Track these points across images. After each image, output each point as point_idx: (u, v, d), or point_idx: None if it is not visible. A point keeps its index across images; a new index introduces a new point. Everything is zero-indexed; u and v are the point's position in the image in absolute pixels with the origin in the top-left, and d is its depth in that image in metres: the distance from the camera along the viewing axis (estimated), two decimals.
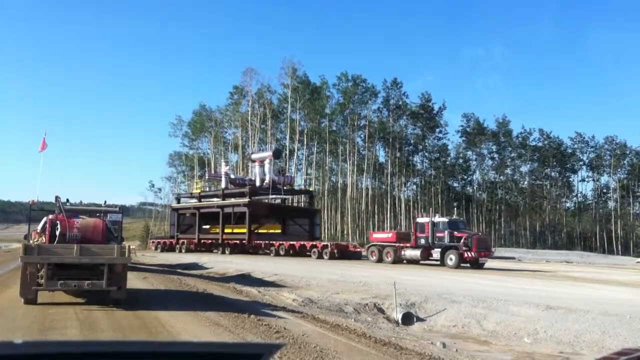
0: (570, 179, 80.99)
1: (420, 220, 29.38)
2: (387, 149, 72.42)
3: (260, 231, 42.19)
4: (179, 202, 51.98)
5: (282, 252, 36.87)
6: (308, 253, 35.26)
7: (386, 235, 31.43)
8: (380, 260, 29.18)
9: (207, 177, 52.57)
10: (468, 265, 26.15)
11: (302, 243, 36.80)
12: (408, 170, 73.83)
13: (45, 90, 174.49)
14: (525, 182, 78.79)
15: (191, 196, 50.25)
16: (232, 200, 42.90)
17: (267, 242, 39.20)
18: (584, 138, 77.41)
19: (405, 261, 28.57)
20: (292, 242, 37.27)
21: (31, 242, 11.40)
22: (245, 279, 21.59)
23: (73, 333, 8.39)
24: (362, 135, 70.92)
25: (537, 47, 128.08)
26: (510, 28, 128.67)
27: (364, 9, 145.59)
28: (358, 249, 34.33)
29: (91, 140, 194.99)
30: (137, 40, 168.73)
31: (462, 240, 26.23)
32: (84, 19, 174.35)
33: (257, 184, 43.58)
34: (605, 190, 78.87)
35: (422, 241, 28.01)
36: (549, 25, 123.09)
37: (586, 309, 12.71)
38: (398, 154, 71.42)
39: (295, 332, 8.97)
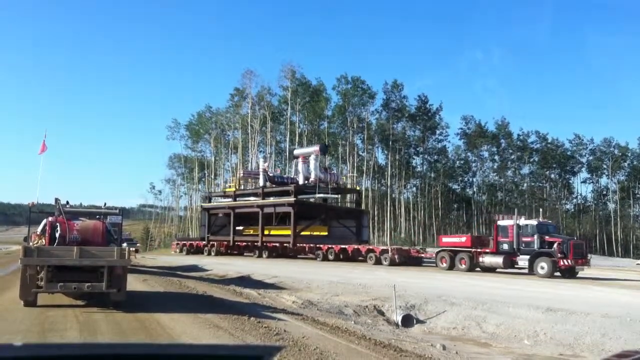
0: (570, 181, 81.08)
1: (502, 222, 26.09)
2: (386, 151, 72.47)
3: (303, 233, 38.69)
4: (210, 201, 48.23)
5: (330, 257, 33.70)
6: (361, 258, 32.32)
7: (459, 239, 27.74)
8: (451, 267, 26.06)
9: (242, 175, 48.74)
10: (559, 274, 23.13)
11: (355, 247, 33.59)
12: (408, 172, 73.86)
13: (46, 93, 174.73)
14: (525, 184, 78.82)
15: (224, 195, 46.92)
16: (274, 200, 39.50)
17: (312, 245, 35.78)
18: (582, 140, 77.53)
19: (478, 269, 25.53)
20: (343, 246, 33.96)
21: (31, 244, 11.38)
22: (245, 281, 21.59)
23: (73, 335, 8.38)
24: (361, 137, 70.98)
25: (536, 49, 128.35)
26: (508, 30, 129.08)
27: (362, 11, 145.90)
28: (422, 254, 31.00)
29: (91, 143, 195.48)
30: (137, 42, 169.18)
31: (555, 246, 23.24)
32: (84, 20, 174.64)
33: (300, 181, 40.22)
34: (605, 192, 78.92)
35: (505, 247, 24.81)
36: (547, 27, 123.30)
37: (586, 311, 12.70)
38: (398, 156, 71.46)
39: (295, 334, 8.96)
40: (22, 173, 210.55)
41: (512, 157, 77.28)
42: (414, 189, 78.26)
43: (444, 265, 26.57)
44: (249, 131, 68.32)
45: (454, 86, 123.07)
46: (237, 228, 42.16)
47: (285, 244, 37.58)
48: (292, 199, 37.27)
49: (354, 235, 39.03)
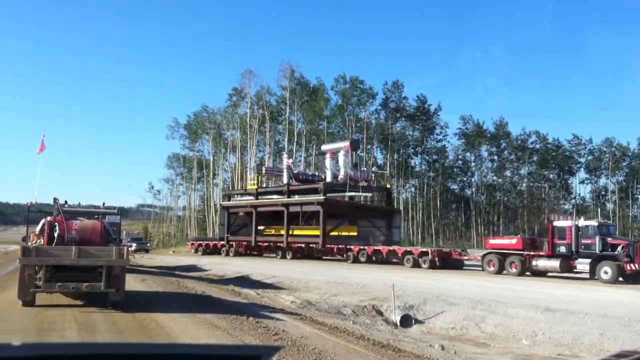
0: (569, 181, 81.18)
1: (558, 223, 24.08)
2: (385, 151, 72.51)
3: (332, 234, 36.37)
4: (229, 199, 46.07)
5: (362, 259, 31.55)
6: (395, 260, 30.18)
7: (508, 241, 25.67)
8: (499, 271, 24.11)
9: (264, 172, 46.30)
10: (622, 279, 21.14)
11: (390, 248, 31.27)
12: (406, 172, 73.89)
13: (45, 92, 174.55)
14: (524, 185, 78.91)
15: (245, 192, 44.72)
16: (301, 198, 37.40)
17: (342, 246, 33.72)
18: (582, 141, 77.64)
19: (529, 273, 23.68)
20: (376, 247, 31.93)
21: (29, 243, 11.38)
22: (244, 281, 21.59)
23: (71, 335, 8.37)
24: (360, 137, 71.00)
25: (536, 49, 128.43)
26: (508, 30, 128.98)
27: (362, 11, 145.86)
28: (464, 256, 28.65)
29: (90, 142, 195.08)
30: (136, 41, 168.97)
31: (619, 249, 21.43)
32: (84, 20, 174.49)
33: (328, 179, 38.21)
34: (603, 193, 79.03)
35: (562, 249, 22.99)
36: (547, 27, 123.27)
37: (585, 311, 12.72)
38: (396, 156, 71.49)
39: (293, 334, 8.97)
40: (20, 172, 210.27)
41: (511, 157, 77.36)
42: (413, 189, 78.33)
43: (492, 269, 24.48)
44: (248, 131, 68.30)
45: (453, 86, 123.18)
46: (259, 228, 40.26)
47: (311, 245, 35.96)
48: (321, 197, 35.34)
49: (384, 236, 36.76)
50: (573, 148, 78.25)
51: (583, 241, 22.56)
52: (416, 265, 28.09)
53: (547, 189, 79.39)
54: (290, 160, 43.38)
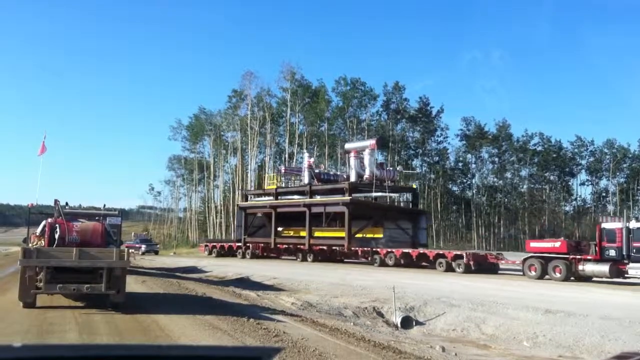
0: (570, 183, 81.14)
1: (607, 225, 22.76)
2: (386, 153, 72.51)
3: (356, 236, 34.81)
4: (246, 199, 44.38)
5: (389, 262, 29.97)
6: (425, 264, 28.84)
7: (551, 244, 24.24)
8: (542, 276, 22.74)
9: (283, 171, 44.53)
10: None
11: (421, 251, 29.93)
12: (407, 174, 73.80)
13: (45, 93, 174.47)
14: (525, 186, 78.87)
15: (263, 192, 43.04)
16: (325, 198, 36.15)
17: (367, 249, 32.32)
18: (584, 142, 77.61)
19: (573, 278, 22.17)
20: (406, 250, 30.37)
21: (30, 245, 11.39)
22: (244, 282, 21.59)
23: (72, 337, 8.38)
24: (360, 139, 70.98)
25: (536, 49, 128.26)
26: (508, 31, 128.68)
27: (361, 12, 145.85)
28: (501, 259, 27.28)
29: (91, 144, 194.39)
30: (136, 42, 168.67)
31: None
32: (83, 20, 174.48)
33: (352, 178, 36.60)
34: (604, 194, 78.98)
35: (612, 253, 21.77)
36: (546, 28, 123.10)
37: (585, 313, 12.72)
38: (397, 157, 71.48)
39: (294, 336, 8.97)
40: (21, 174, 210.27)
41: (512, 158, 77.34)
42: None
43: (534, 273, 23.10)
44: (249, 132, 68.32)
45: (453, 87, 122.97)
46: (277, 229, 38.90)
47: (334, 247, 34.69)
48: (347, 197, 34.03)
49: (410, 238, 35.47)
50: (575, 150, 78.24)
51: (635, 244, 21.29)
52: (449, 269, 26.60)
53: (548, 191, 79.35)
54: (312, 160, 41.86)
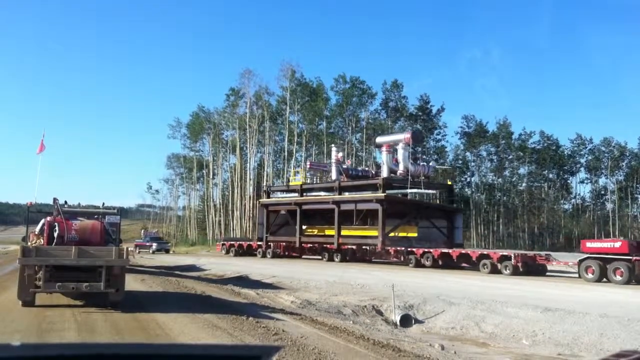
0: (569, 181, 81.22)
1: None
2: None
3: (390, 235, 32.91)
4: (268, 196, 42.20)
5: (427, 263, 28.18)
6: (465, 265, 27.22)
7: (611, 244, 22.58)
8: (600, 278, 21.14)
9: (308, 166, 42.53)
10: None
11: (462, 251, 28.09)
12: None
13: (44, 92, 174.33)
14: (524, 184, 78.93)
15: (288, 189, 41.40)
16: (357, 195, 34.61)
17: (400, 248, 30.58)
18: (583, 141, 77.68)
19: (634, 281, 20.47)
20: (445, 250, 28.57)
21: (29, 244, 11.38)
22: (243, 280, 21.60)
23: (71, 335, 8.37)
24: (359, 137, 71.00)
25: (535, 49, 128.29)
26: (507, 30, 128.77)
27: (361, 11, 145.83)
28: (551, 261, 25.57)
29: (90, 142, 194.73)
30: (136, 41, 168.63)
31: None
32: (83, 20, 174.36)
33: (384, 174, 34.80)
34: (603, 192, 79.06)
35: None
36: (546, 27, 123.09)
37: (584, 311, 12.73)
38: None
39: (293, 334, 8.96)
40: (20, 173, 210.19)
41: (510, 157, 77.39)
42: None
43: (591, 276, 21.45)
44: (247, 131, 68.30)
45: (453, 86, 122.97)
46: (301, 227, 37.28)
47: (364, 247, 33.35)
48: (381, 194, 32.09)
49: (444, 237, 33.73)
50: (575, 148, 78.31)
51: None
52: (495, 271, 24.78)
53: (547, 189, 79.42)
54: (340, 154, 39.61)
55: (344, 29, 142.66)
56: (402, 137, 36.44)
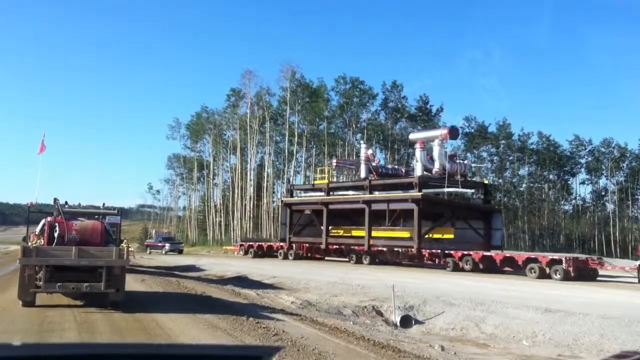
0: (569, 182, 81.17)
1: None
2: (385, 151, 72.49)
3: (425, 236, 31.16)
4: (292, 195, 40.46)
5: (466, 267, 26.36)
6: (508, 269, 25.54)
7: None
8: None
9: (335, 164, 40.71)
10: None
11: (507, 255, 26.52)
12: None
13: (45, 92, 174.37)
14: (524, 185, 78.90)
15: (313, 188, 39.22)
16: (390, 194, 32.95)
17: (436, 251, 29.04)
18: (582, 141, 77.62)
19: None
20: (487, 253, 26.85)
21: (29, 244, 11.38)
22: (243, 281, 21.58)
23: (71, 335, 8.37)
24: (360, 138, 70.97)
25: (535, 49, 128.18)
26: (507, 30, 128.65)
27: (361, 11, 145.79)
28: (606, 267, 24.09)
29: (90, 143, 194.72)
30: (136, 42, 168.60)
31: None
32: (83, 20, 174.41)
33: (418, 172, 33.18)
34: (603, 193, 79.01)
35: None
36: (546, 27, 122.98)
37: (585, 312, 12.72)
38: (397, 156, 71.45)
39: (293, 335, 8.96)
40: (20, 173, 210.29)
41: (511, 157, 77.36)
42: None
43: None
44: (248, 131, 68.31)
45: (453, 86, 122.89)
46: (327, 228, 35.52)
47: (396, 249, 31.51)
48: (417, 193, 30.30)
49: (481, 239, 31.73)
50: (574, 149, 78.25)
51: None
52: (543, 275, 23.22)
53: (547, 190, 79.39)
54: (370, 151, 37.47)
55: (344, 29, 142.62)
56: (439, 133, 34.72)
